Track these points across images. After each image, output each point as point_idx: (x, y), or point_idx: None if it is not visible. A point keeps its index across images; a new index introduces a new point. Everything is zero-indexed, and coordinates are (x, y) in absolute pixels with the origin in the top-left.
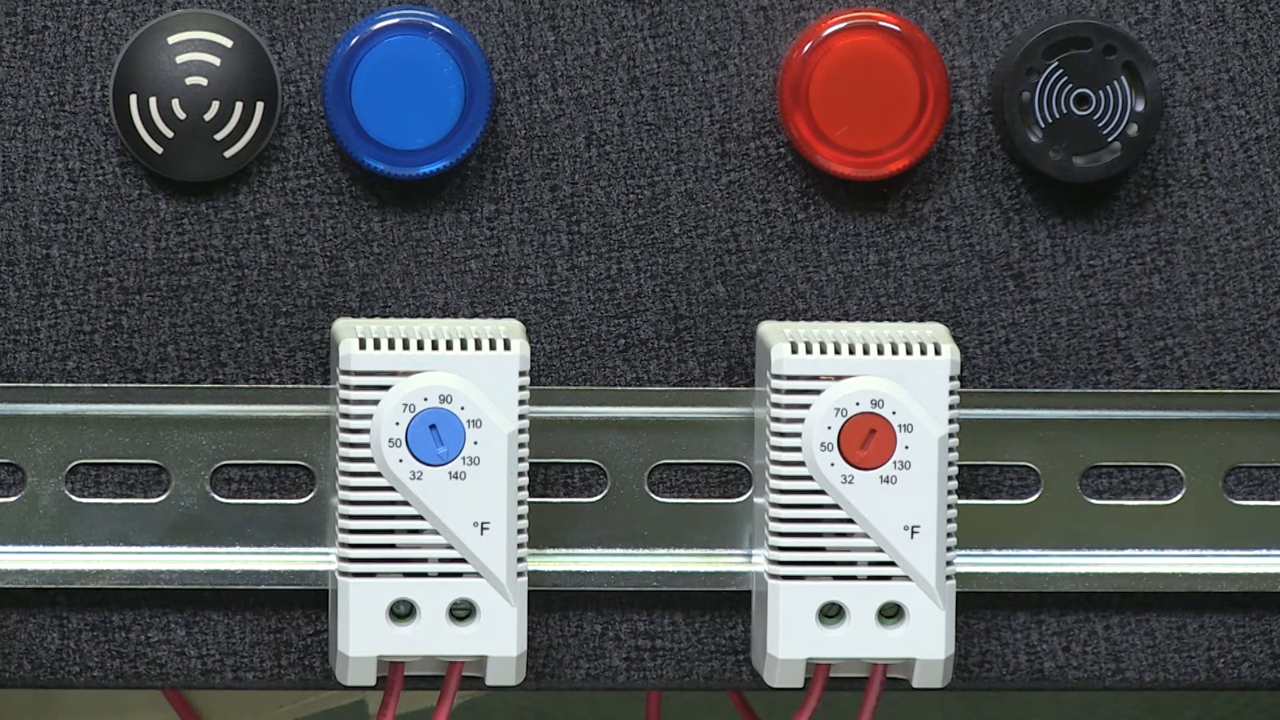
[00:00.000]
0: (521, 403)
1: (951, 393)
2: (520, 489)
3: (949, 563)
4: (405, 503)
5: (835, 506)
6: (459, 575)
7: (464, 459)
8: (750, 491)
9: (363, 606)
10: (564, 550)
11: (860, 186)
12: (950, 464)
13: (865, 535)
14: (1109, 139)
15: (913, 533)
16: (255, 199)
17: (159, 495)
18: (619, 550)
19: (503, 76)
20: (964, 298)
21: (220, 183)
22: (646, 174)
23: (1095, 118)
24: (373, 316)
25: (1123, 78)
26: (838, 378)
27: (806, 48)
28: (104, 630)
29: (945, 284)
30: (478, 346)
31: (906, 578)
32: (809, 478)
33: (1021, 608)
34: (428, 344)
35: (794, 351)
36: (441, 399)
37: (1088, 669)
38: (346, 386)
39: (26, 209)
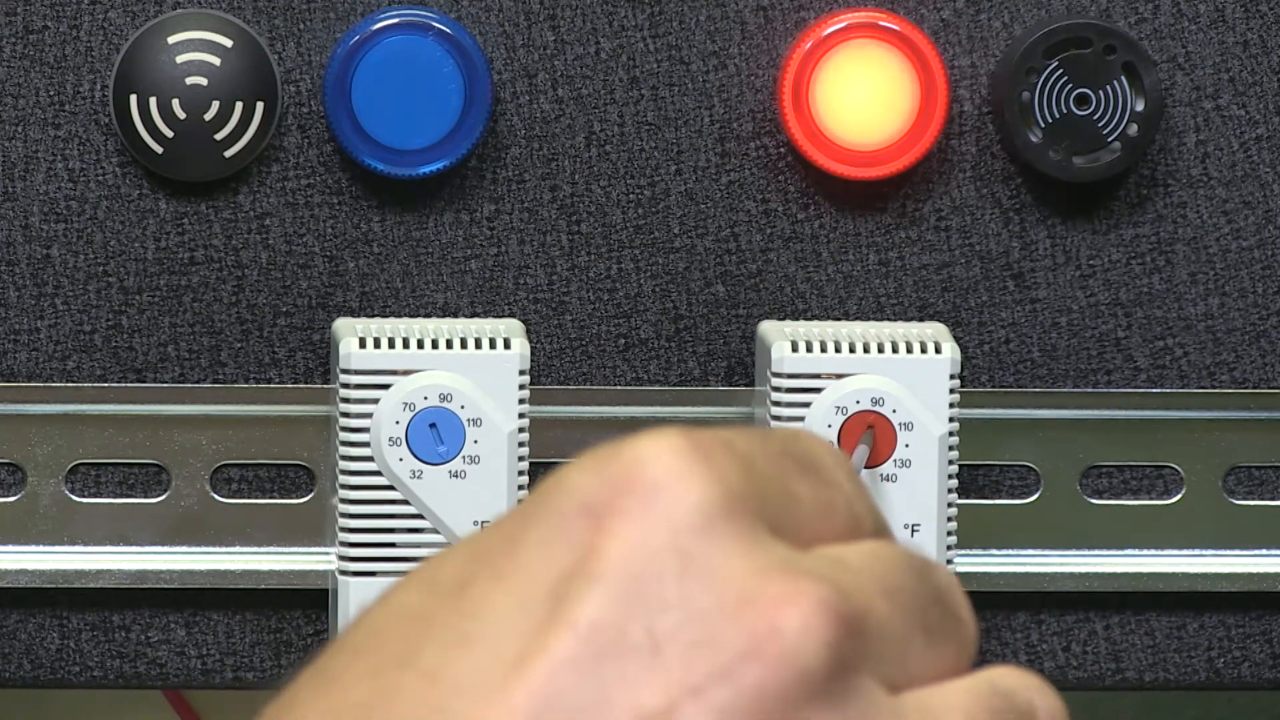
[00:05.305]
0: (522, 402)
1: (952, 391)
2: (520, 488)
3: (949, 562)
4: (405, 502)
5: None
6: None
7: (464, 458)
8: None
9: (363, 606)
10: None
11: (860, 186)
12: (950, 463)
13: None
14: (1109, 139)
15: (913, 531)
16: (255, 199)
17: (159, 495)
18: None
19: (503, 76)
20: (964, 298)
21: (220, 183)
22: (646, 174)
23: (1095, 118)
24: (373, 316)
25: (1123, 78)
26: (838, 376)
27: (806, 47)
28: (104, 630)
29: (945, 284)
30: (478, 346)
31: None
32: None
33: (1021, 608)
34: (428, 343)
35: (794, 350)
36: (441, 398)
37: (1088, 669)
38: (346, 386)
39: (26, 209)
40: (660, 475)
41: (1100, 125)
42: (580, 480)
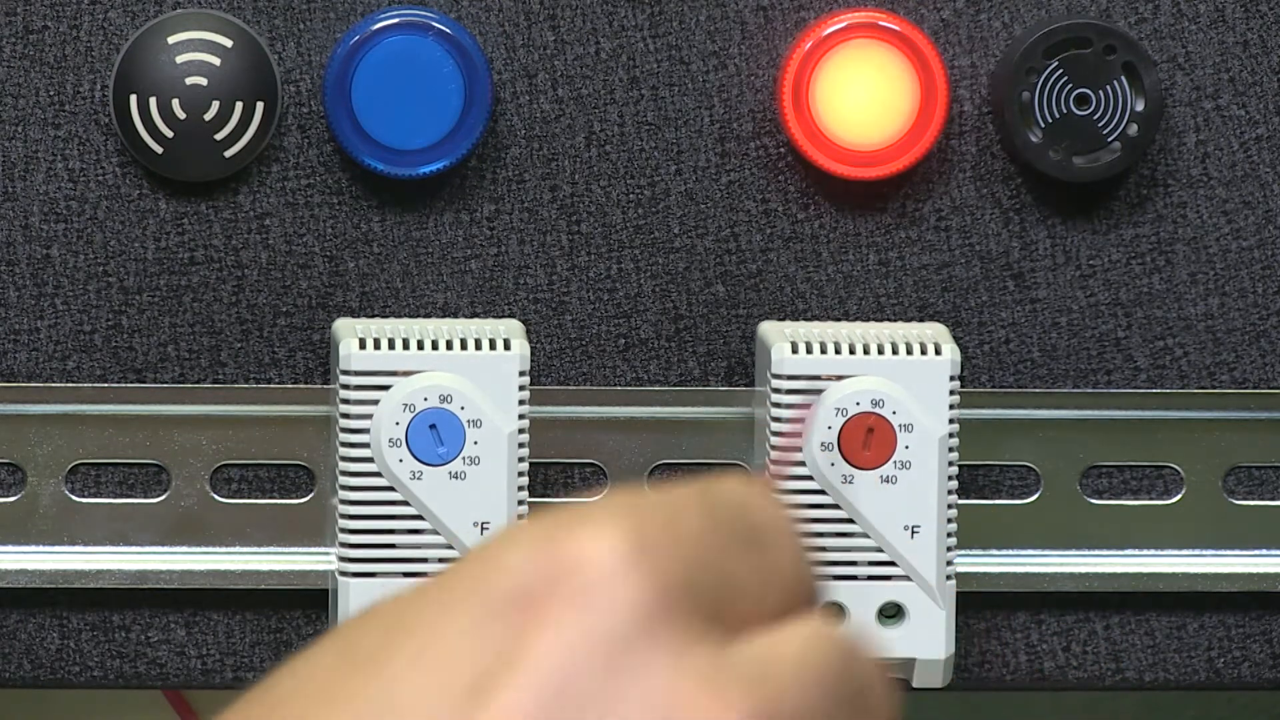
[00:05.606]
0: (521, 403)
1: (952, 392)
2: (520, 489)
3: (949, 563)
4: (405, 503)
5: (835, 506)
6: None
7: (464, 459)
8: None
9: (363, 606)
10: None
11: (860, 186)
12: (950, 464)
13: (865, 535)
14: (1109, 139)
15: (913, 532)
16: (255, 199)
17: (159, 495)
18: None
19: (503, 76)
20: (964, 298)
21: (220, 183)
22: (646, 174)
23: (1095, 118)
24: (373, 316)
25: (1123, 78)
26: (838, 377)
27: (806, 47)
28: (104, 630)
29: (945, 284)
30: (478, 346)
31: (906, 577)
32: (809, 477)
33: (1021, 608)
34: (428, 344)
35: (794, 351)
36: (441, 399)
37: (1088, 669)
38: (346, 386)
39: (26, 209)
40: (597, 576)
41: (1100, 125)
42: (514, 562)
